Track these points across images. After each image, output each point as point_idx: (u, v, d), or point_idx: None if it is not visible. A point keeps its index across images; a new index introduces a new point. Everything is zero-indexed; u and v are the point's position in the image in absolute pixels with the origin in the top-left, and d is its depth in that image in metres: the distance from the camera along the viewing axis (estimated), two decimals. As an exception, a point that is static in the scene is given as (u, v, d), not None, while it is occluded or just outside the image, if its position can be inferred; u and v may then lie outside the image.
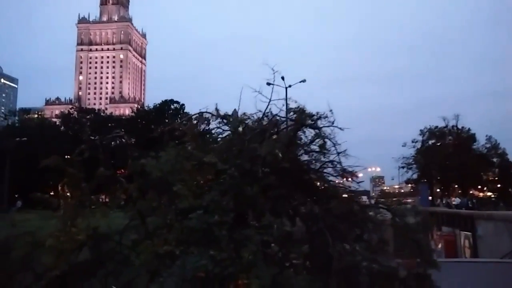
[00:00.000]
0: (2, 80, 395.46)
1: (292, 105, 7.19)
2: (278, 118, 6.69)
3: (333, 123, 6.21)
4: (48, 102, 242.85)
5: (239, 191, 5.32)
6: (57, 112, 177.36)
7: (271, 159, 5.51)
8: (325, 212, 5.42)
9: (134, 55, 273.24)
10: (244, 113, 7.46)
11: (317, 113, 6.24)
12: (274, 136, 6.29)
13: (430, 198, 76.66)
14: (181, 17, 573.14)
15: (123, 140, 6.84)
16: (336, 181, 6.35)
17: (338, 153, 6.04)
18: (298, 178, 5.79)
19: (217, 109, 7.84)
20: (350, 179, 6.46)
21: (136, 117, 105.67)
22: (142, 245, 5.40)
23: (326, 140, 6.07)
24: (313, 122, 6.41)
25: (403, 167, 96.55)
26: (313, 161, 6.34)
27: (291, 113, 6.82)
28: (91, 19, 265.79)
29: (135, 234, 8.31)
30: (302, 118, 6.46)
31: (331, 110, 6.11)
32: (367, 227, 5.89)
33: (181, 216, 5.14)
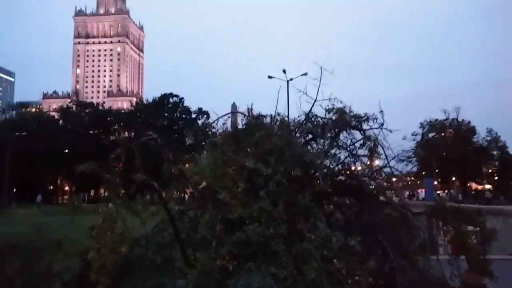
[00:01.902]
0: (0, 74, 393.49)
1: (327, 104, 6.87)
2: (320, 119, 6.31)
3: (382, 125, 5.83)
4: (45, 96, 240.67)
5: (291, 200, 4.96)
6: (54, 105, 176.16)
7: (322, 164, 5.15)
8: (381, 221, 5.08)
9: (131, 48, 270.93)
10: (278, 114, 7.08)
11: (365, 114, 5.86)
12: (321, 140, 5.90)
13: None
14: (178, 8, 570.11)
15: (157, 142, 6.47)
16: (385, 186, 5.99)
17: (388, 159, 5.67)
18: (349, 185, 5.46)
19: (249, 109, 7.46)
20: (400, 184, 6.12)
21: (135, 111, 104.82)
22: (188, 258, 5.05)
23: (376, 143, 5.69)
24: (358, 124, 6.03)
25: (403, 160, 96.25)
26: (362, 166, 5.97)
27: (332, 113, 6.43)
28: (88, 12, 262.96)
29: (161, 238, 8.00)
30: (345, 118, 6.08)
31: (381, 111, 5.73)
32: (421, 235, 5.57)
33: (230, 226, 4.78)
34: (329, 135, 5.98)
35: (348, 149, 6.05)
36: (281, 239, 4.46)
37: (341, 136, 6.21)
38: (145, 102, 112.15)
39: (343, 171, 5.94)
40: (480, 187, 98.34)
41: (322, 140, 5.87)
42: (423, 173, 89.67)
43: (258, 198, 5.30)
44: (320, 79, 5.85)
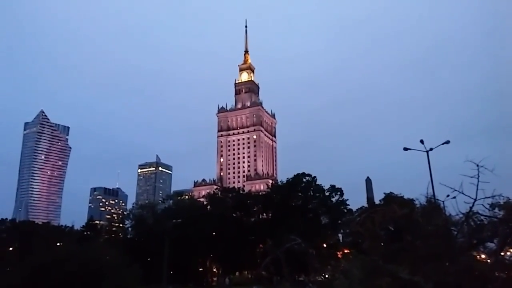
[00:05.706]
0: (160, 168, 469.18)
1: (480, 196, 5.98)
2: (482, 218, 5.48)
3: None
4: (196, 184, 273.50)
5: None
6: (203, 192, 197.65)
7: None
8: None
9: (265, 135, 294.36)
10: (429, 211, 6.43)
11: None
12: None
13: None
14: (301, 89, 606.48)
15: (301, 247, 6.45)
16: None
17: None
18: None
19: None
20: None
21: (271, 193, 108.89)
22: None
23: None
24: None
25: None
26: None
27: (496, 209, 5.54)
28: (228, 107, 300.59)
29: None
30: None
31: None
32: None
33: None
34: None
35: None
36: None
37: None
38: (279, 183, 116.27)
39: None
40: None
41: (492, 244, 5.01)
42: None
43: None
44: (478, 177, 5.18)
